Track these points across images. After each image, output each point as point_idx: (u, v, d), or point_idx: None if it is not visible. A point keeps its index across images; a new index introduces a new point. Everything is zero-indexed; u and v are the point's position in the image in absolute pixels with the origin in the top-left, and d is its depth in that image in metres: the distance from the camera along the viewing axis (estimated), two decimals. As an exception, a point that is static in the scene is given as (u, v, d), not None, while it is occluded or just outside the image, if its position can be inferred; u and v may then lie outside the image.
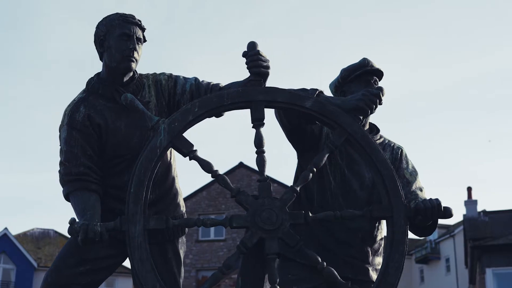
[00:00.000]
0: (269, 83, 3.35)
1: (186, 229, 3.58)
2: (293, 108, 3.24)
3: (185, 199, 34.73)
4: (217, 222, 3.06)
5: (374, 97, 3.30)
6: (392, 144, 3.72)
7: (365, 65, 3.66)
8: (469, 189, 36.18)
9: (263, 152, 3.15)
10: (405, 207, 3.14)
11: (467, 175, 72.75)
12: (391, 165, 3.22)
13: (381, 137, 3.73)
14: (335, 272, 3.05)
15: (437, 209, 3.17)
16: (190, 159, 3.09)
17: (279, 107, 3.27)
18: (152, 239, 3.35)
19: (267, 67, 3.25)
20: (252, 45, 3.29)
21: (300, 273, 3.44)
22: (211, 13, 69.09)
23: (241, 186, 33.19)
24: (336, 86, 3.73)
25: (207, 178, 36.41)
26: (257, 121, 3.18)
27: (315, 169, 3.16)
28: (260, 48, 3.31)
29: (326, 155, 3.19)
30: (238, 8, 71.00)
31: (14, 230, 42.43)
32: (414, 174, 3.63)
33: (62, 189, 3.31)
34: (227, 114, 3.39)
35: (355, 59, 3.72)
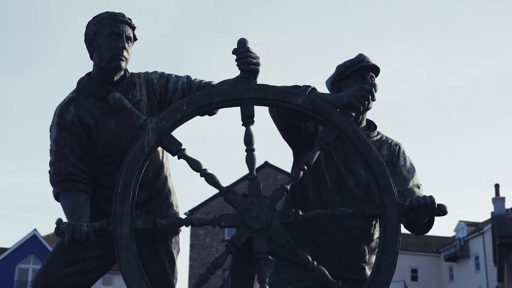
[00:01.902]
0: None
1: (180, 229, 3.55)
2: (283, 105, 3.19)
3: (209, 200, 34.82)
4: (206, 221, 3.03)
5: (367, 93, 3.23)
6: (389, 141, 3.65)
7: (361, 61, 3.60)
8: (497, 186, 35.81)
9: (253, 150, 3.10)
10: (398, 204, 3.08)
11: (495, 172, 71.93)
12: (384, 162, 3.16)
13: (378, 133, 3.67)
14: (326, 271, 3.00)
15: (430, 207, 3.11)
16: (178, 158, 3.06)
17: (269, 105, 3.22)
18: (144, 239, 3.33)
19: (257, 64, 3.21)
20: (242, 42, 3.25)
21: (294, 272, 3.39)
22: (234, 13, 69.10)
23: (267, 185, 33.19)
24: (332, 82, 3.68)
25: (233, 178, 36.40)
26: (247, 119, 3.14)
27: (305, 167, 3.11)
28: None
29: (317, 153, 3.14)
30: (260, 8, 70.92)
31: (43, 231, 42.77)
32: (411, 171, 3.57)
33: (52, 189, 3.30)
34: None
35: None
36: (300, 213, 3.04)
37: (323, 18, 71.29)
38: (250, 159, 3.09)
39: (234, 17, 69.83)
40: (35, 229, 38.91)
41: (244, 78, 3.23)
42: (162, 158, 3.46)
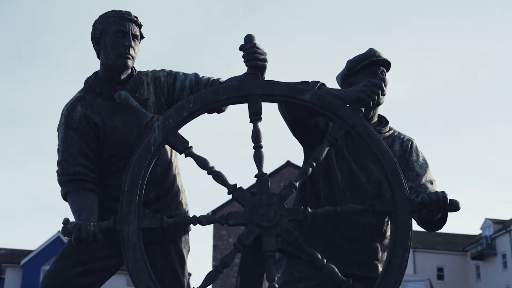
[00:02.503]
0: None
1: (190, 227, 3.52)
2: (291, 101, 3.15)
3: (233, 199, 34.62)
4: (214, 220, 3.00)
5: (376, 88, 3.18)
6: (402, 136, 3.60)
7: (371, 56, 3.54)
8: (523, 183, 35.40)
9: (261, 147, 3.07)
10: (409, 200, 3.02)
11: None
12: (395, 157, 3.11)
13: (390, 129, 3.61)
14: (336, 269, 2.96)
15: (442, 202, 3.05)
16: (185, 156, 3.04)
17: (277, 101, 3.18)
18: (154, 238, 3.31)
19: (264, 60, 3.17)
20: (248, 38, 3.21)
21: (306, 270, 3.35)
22: (264, 13, 69.07)
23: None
24: (343, 77, 3.62)
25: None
26: (255, 116, 3.10)
27: (314, 163, 3.07)
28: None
29: (326, 149, 3.10)
30: (291, 7, 70.84)
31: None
32: (424, 166, 3.50)
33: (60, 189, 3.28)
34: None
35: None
36: (309, 210, 3.00)
37: (351, 19, 71.01)
38: (258, 156, 3.06)
39: (264, 16, 69.76)
40: (59, 231, 39.13)
41: (252, 74, 3.19)
42: (171, 156, 3.43)
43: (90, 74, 3.42)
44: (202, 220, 2.98)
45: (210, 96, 3.09)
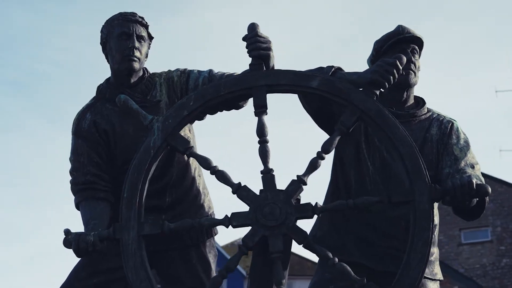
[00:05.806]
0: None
1: (217, 231, 3.37)
2: (298, 90, 2.94)
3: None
4: (216, 222, 2.84)
5: (390, 67, 2.89)
6: (441, 118, 3.25)
7: (400, 33, 3.24)
8: None
9: (266, 141, 2.88)
10: (429, 188, 2.72)
11: None
12: (413, 142, 2.82)
13: (429, 110, 3.28)
14: (348, 267, 2.72)
15: (467, 188, 2.71)
16: (187, 157, 2.92)
17: (283, 91, 2.98)
18: (171, 245, 3.20)
19: (267, 49, 2.96)
20: (251, 27, 3.02)
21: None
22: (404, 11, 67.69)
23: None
24: (372, 60, 3.34)
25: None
26: (260, 108, 2.91)
27: (324, 155, 2.84)
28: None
29: (337, 138, 2.86)
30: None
31: (221, 241, 43.95)
32: (465, 149, 3.15)
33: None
34: None
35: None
36: (319, 205, 2.77)
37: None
38: (263, 151, 2.87)
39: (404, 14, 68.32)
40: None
41: (255, 65, 3.00)
42: (188, 158, 3.29)
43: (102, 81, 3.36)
44: (204, 223, 2.83)
45: (211, 91, 2.94)
